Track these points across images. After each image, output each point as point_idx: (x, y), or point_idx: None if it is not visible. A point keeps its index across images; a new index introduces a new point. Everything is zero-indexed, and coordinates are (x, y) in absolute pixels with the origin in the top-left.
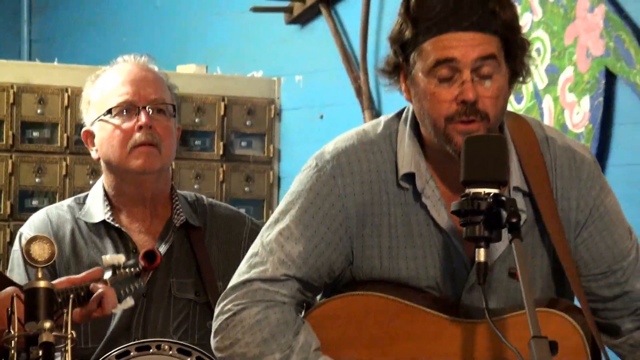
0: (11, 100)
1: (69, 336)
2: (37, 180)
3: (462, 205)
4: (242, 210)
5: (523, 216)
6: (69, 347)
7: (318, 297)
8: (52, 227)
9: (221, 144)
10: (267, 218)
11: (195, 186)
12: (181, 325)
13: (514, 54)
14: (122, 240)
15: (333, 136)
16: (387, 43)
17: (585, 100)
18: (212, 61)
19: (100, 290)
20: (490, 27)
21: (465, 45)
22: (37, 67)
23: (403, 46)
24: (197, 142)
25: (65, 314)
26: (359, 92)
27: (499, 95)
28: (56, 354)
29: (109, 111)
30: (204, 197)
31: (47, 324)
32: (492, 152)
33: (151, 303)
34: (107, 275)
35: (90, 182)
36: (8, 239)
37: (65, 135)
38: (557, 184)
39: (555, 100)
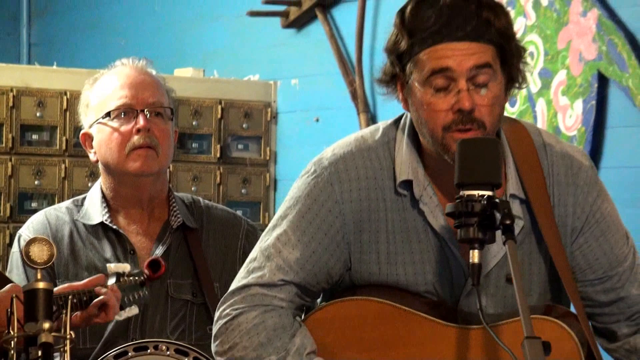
0: (11, 104)
1: (68, 337)
2: (36, 182)
3: (456, 207)
4: (239, 213)
5: (520, 223)
6: (67, 348)
7: (318, 301)
8: (50, 228)
9: (218, 146)
10: (264, 220)
11: (193, 188)
12: (178, 326)
13: (509, 61)
14: (119, 242)
15: (329, 139)
16: (383, 47)
17: (578, 104)
18: (209, 65)
19: (102, 297)
20: (485, 36)
21: (460, 55)
22: (36, 71)
23: (399, 57)
24: (194, 145)
25: (64, 315)
26: (354, 95)
27: (495, 103)
28: (55, 354)
29: (108, 114)
30: (201, 199)
31: (46, 325)
32: (485, 155)
33: (149, 304)
34: (111, 282)
35: (89, 184)
36: (7, 241)
37: (64, 138)
38: (554, 191)
39: (548, 103)
